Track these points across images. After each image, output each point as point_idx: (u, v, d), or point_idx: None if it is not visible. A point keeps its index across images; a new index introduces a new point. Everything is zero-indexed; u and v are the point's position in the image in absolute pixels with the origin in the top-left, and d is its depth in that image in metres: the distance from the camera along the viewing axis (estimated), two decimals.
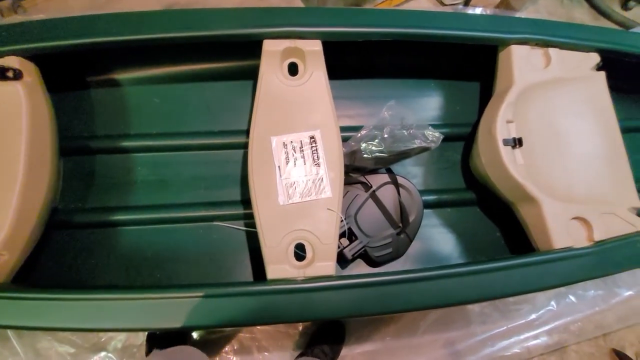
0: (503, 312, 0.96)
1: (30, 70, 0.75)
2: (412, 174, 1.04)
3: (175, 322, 0.65)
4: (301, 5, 1.22)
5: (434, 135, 0.78)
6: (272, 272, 0.67)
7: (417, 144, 0.79)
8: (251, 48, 0.83)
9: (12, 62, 0.72)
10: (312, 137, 0.80)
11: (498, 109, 0.83)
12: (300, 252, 0.73)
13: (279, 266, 0.68)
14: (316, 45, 0.80)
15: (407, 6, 1.22)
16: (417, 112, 1.04)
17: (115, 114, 0.97)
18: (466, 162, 1.04)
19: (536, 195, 0.77)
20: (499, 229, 0.99)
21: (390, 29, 0.81)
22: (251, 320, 0.66)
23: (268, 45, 0.79)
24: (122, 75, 0.97)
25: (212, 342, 0.90)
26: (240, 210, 0.94)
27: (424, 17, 0.85)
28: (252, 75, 1.02)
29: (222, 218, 0.95)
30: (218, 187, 0.97)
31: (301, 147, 0.80)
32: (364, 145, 0.82)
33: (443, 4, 1.22)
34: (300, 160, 0.79)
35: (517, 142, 0.81)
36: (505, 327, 0.95)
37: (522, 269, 0.72)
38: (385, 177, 0.96)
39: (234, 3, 1.21)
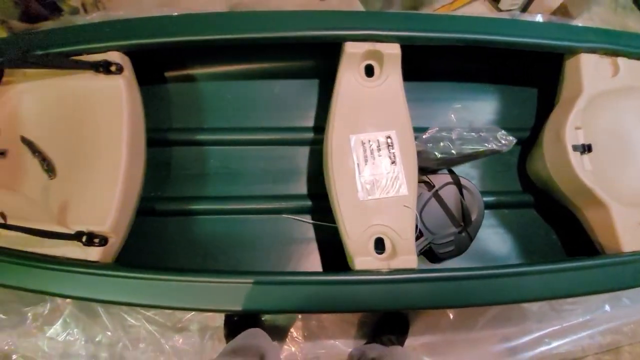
0: (559, 311, 1.00)
1: (127, 65, 0.80)
2: (470, 175, 1.07)
3: (268, 304, 0.69)
4: (360, 8, 1.25)
5: (507, 139, 0.82)
6: (360, 264, 0.71)
7: (489, 146, 0.83)
8: (322, 49, 0.87)
9: (114, 57, 0.77)
10: (388, 137, 0.84)
11: (567, 116, 0.86)
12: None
13: (366, 258, 0.72)
14: (395, 49, 0.83)
15: (462, 11, 1.24)
16: (476, 115, 1.07)
17: (190, 108, 1.02)
18: (523, 165, 1.07)
19: (605, 200, 0.81)
20: (555, 232, 1.02)
21: (465, 35, 0.84)
22: (338, 307, 0.71)
23: (350, 47, 0.82)
24: (197, 71, 1.02)
25: (281, 328, 0.95)
26: (307, 203, 0.99)
27: (497, 24, 0.88)
28: (318, 74, 1.09)
29: (289, 211, 1.00)
30: (285, 181, 1.02)
31: (378, 146, 0.84)
32: (442, 144, 0.85)
33: (499, 10, 1.25)
34: (378, 159, 0.83)
35: (586, 149, 0.84)
36: (560, 326, 0.99)
37: (592, 270, 0.75)
38: (447, 177, 0.99)
39: (296, 5, 1.25)
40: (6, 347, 0.88)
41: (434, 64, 1.07)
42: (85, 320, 0.91)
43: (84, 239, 0.67)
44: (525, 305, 0.99)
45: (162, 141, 0.99)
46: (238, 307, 0.68)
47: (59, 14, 1.06)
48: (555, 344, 0.98)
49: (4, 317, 0.90)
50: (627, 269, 0.76)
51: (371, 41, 0.83)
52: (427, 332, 0.99)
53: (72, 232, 0.67)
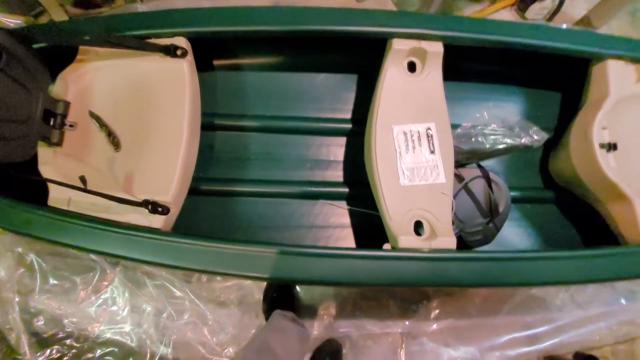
0: (578, 303, 1.05)
1: (190, 50, 0.86)
2: (494, 171, 1.12)
3: (318, 276, 0.74)
4: (393, 8, 1.32)
5: (540, 134, 0.87)
6: (403, 242, 0.76)
7: (522, 141, 0.89)
8: (364, 47, 0.93)
9: (180, 42, 0.82)
10: (428, 129, 0.90)
11: (594, 116, 0.92)
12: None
13: (408, 237, 0.77)
14: (438, 47, 0.89)
15: (491, 18, 1.31)
16: (506, 114, 1.13)
17: (235, 95, 1.07)
18: (545, 164, 1.13)
19: (628, 194, 0.86)
20: (575, 226, 1.08)
21: (504, 38, 0.90)
22: (383, 281, 0.75)
23: (397, 43, 0.88)
24: (244, 61, 1.08)
25: (314, 308, 1.00)
26: (343, 190, 1.04)
27: (534, 29, 0.94)
28: (357, 70, 1.14)
29: (325, 196, 1.05)
30: (322, 169, 1.08)
31: (419, 136, 0.89)
32: (473, 139, 0.91)
33: (525, 19, 1.32)
34: (418, 148, 0.89)
35: (612, 147, 0.90)
36: (578, 317, 1.04)
37: (616, 257, 0.81)
38: (476, 171, 1.04)
39: (333, 4, 1.30)
40: (57, 312, 0.92)
41: (466, 65, 1.13)
42: (132, 290, 0.95)
43: (149, 207, 0.72)
44: (547, 296, 1.04)
45: (208, 125, 1.04)
46: (292, 276, 0.73)
47: (111, 1, 1.11)
48: (573, 332, 1.03)
49: (56, 282, 0.94)
50: None
51: (417, 39, 0.89)
52: (454, 316, 1.04)
53: (140, 200, 0.72)
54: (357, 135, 1.14)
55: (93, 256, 0.93)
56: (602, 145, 0.90)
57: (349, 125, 1.09)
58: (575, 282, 0.83)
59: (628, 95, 0.93)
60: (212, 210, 1.00)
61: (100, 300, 0.95)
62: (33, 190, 0.75)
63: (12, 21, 1.09)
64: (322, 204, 1.05)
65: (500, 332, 1.01)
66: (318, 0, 1.35)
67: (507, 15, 1.29)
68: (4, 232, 0.89)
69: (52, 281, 0.94)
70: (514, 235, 1.07)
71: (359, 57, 1.12)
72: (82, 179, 0.66)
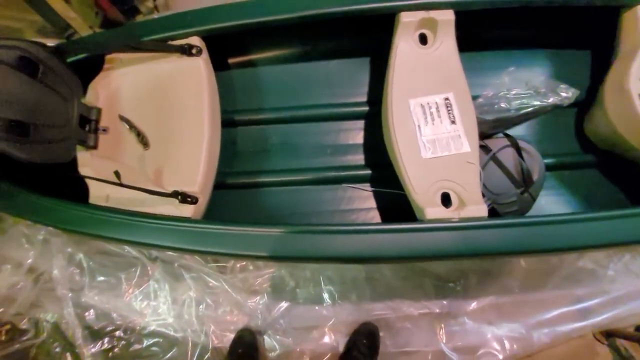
0: (634, 272, 0.96)
1: (204, 48, 0.90)
2: (524, 139, 1.07)
3: (351, 252, 0.73)
4: None
5: (569, 91, 0.82)
6: (430, 214, 0.74)
7: (550, 101, 0.84)
8: (372, 26, 0.92)
9: (195, 41, 0.87)
10: (446, 99, 0.87)
11: (629, 67, 0.85)
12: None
13: (435, 209, 0.75)
14: (449, 15, 0.87)
15: None
16: (530, 77, 1.07)
17: (251, 90, 1.11)
18: (579, 127, 1.06)
19: None
20: (622, 190, 1.00)
21: None
22: (412, 254, 0.73)
23: (405, 16, 0.87)
24: (256, 57, 1.11)
25: None
26: (365, 172, 1.04)
27: None
28: (367, 52, 1.14)
29: (348, 180, 1.05)
30: (342, 153, 1.08)
31: (437, 107, 0.87)
32: (496, 106, 0.87)
33: None
34: (437, 120, 0.87)
35: None
36: (636, 287, 0.95)
37: None
38: (504, 141, 1.00)
39: None
40: (106, 306, 0.99)
41: (483, 33, 1.09)
42: (171, 283, 1.00)
43: (179, 197, 0.75)
44: (598, 267, 0.96)
45: (229, 122, 1.08)
46: (325, 254, 0.73)
47: (133, 18, 1.20)
48: (631, 304, 0.94)
49: (102, 278, 1.01)
50: None
51: (425, 9, 0.87)
52: (495, 292, 0.99)
53: (170, 192, 0.76)
54: (374, 117, 1.12)
55: (134, 252, 1.00)
56: None
57: (366, 108, 1.08)
58: (627, 243, 0.76)
59: None
60: (239, 202, 1.03)
61: (143, 295, 1.01)
62: (75, 191, 0.82)
63: (49, 44, 1.20)
64: (345, 188, 1.05)
65: (548, 307, 0.95)
66: None
67: None
68: (57, 234, 0.98)
69: (99, 278, 1.01)
70: (553, 204, 1.00)
71: (368, 39, 1.11)
72: (117, 174, 0.71)
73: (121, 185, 0.70)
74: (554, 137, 1.07)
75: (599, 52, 1.06)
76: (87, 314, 0.97)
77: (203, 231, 0.75)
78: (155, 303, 0.99)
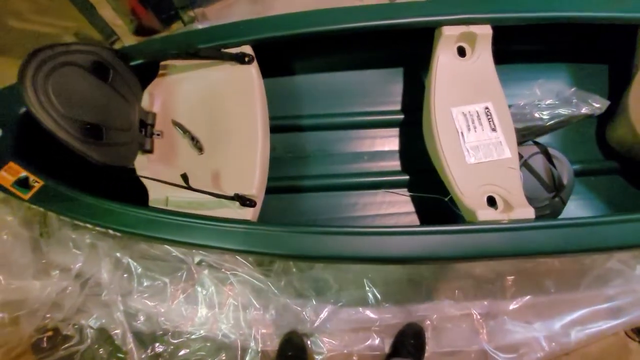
0: None
1: (254, 57, 0.93)
2: (551, 147, 1.13)
3: (398, 252, 0.76)
4: None
5: (600, 101, 0.88)
6: (482, 216, 0.78)
7: (583, 111, 0.89)
8: (408, 39, 0.97)
9: (247, 49, 0.90)
10: (486, 108, 0.93)
11: None
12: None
13: (486, 211, 0.79)
14: (487, 29, 0.93)
15: None
16: (554, 89, 1.13)
17: (289, 98, 1.14)
18: (601, 136, 1.13)
19: None
20: None
21: (550, 13, 0.93)
22: (466, 254, 0.77)
23: (447, 30, 0.92)
24: (294, 65, 1.15)
25: None
26: (402, 178, 1.07)
27: (579, 2, 0.96)
28: (402, 63, 1.19)
29: (385, 185, 1.08)
30: (378, 159, 1.11)
31: (478, 116, 0.92)
32: (529, 115, 0.93)
33: None
34: (479, 127, 0.91)
35: None
36: None
37: None
38: (534, 148, 1.05)
39: None
40: (153, 310, 0.98)
41: (510, 48, 1.15)
42: (217, 287, 1.00)
43: (240, 200, 0.77)
44: (626, 267, 1.01)
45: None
46: (381, 255, 0.75)
47: (169, 26, 1.22)
48: None
49: (149, 283, 1.00)
50: None
51: (465, 24, 0.93)
52: (531, 292, 1.03)
53: (232, 195, 0.77)
54: (409, 125, 1.17)
55: (180, 256, 0.99)
56: None
57: (401, 116, 1.13)
58: None
59: None
60: (280, 207, 1.05)
61: (189, 299, 1.00)
62: (132, 196, 0.83)
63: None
64: (383, 193, 1.08)
65: (581, 306, 0.99)
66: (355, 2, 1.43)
67: None
68: (103, 238, 0.98)
69: (145, 282, 1.00)
70: (581, 208, 1.05)
71: (402, 50, 1.17)
72: (184, 177, 0.72)
73: (188, 188, 0.72)
74: (577, 145, 1.14)
75: (616, 65, 1.14)
76: (135, 318, 0.96)
77: (266, 233, 0.77)
78: (202, 307, 0.99)
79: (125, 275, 0.99)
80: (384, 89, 1.15)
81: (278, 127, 1.13)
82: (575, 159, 1.11)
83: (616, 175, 1.09)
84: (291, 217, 1.04)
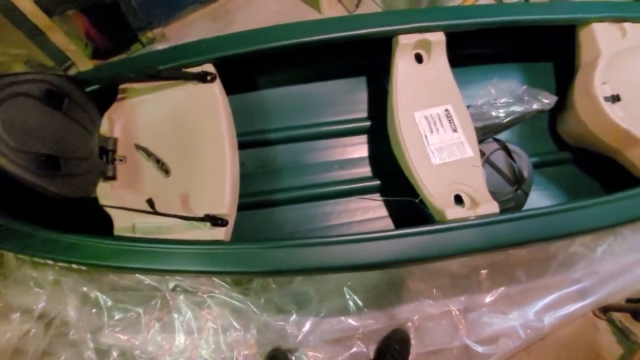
0: (617, 252, 1.09)
1: (217, 75, 0.92)
2: (512, 143, 1.19)
3: (374, 258, 0.77)
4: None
5: (549, 97, 0.94)
6: (451, 214, 0.81)
7: (535, 107, 0.95)
8: (369, 48, 1.00)
9: (209, 68, 0.89)
10: (446, 110, 0.97)
11: (593, 75, 1.00)
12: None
13: (454, 209, 0.82)
14: (441, 36, 0.97)
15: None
16: (507, 88, 1.20)
17: (256, 113, 1.14)
18: (553, 128, 1.20)
19: None
20: (597, 181, 1.14)
21: (497, 18, 0.99)
22: (439, 253, 0.79)
23: (403, 39, 0.96)
24: (259, 80, 1.15)
25: None
26: (374, 183, 1.09)
27: (522, 7, 1.04)
28: (364, 72, 1.22)
29: (358, 192, 1.10)
30: (350, 167, 1.13)
31: (439, 118, 0.96)
32: (487, 114, 0.98)
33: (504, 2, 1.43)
34: (441, 129, 0.95)
35: (616, 98, 0.97)
36: (621, 265, 1.07)
37: None
38: (494, 145, 1.11)
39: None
40: (127, 344, 0.92)
41: (463, 52, 1.22)
42: (195, 312, 0.96)
43: (211, 220, 0.75)
44: (587, 250, 1.08)
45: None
46: (359, 262, 0.76)
47: (127, 48, 1.19)
48: (620, 280, 1.06)
49: (121, 315, 0.95)
50: None
51: (420, 32, 0.97)
52: (505, 284, 1.07)
53: (202, 216, 0.75)
54: (376, 131, 1.20)
55: (153, 283, 0.95)
56: (606, 99, 0.97)
57: (368, 123, 1.15)
58: (614, 225, 0.87)
59: (618, 51, 1.02)
60: (255, 223, 1.04)
61: (165, 327, 0.96)
62: (96, 227, 0.79)
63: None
64: (357, 200, 1.09)
65: (551, 291, 1.04)
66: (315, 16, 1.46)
67: (489, 2, 1.40)
68: (67, 274, 0.92)
69: (117, 315, 0.95)
70: (542, 198, 1.12)
71: (364, 59, 1.20)
72: (150, 202, 0.70)
73: (154, 213, 0.69)
74: (533, 139, 1.21)
75: (561, 63, 1.23)
76: (109, 355, 0.90)
77: (240, 251, 0.76)
78: (179, 334, 0.94)
79: (94, 310, 0.94)
80: (350, 97, 1.18)
81: (247, 142, 1.13)
82: (533, 152, 1.18)
83: (570, 165, 1.17)
84: (267, 232, 1.03)
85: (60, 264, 0.72)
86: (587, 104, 1.03)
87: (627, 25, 1.04)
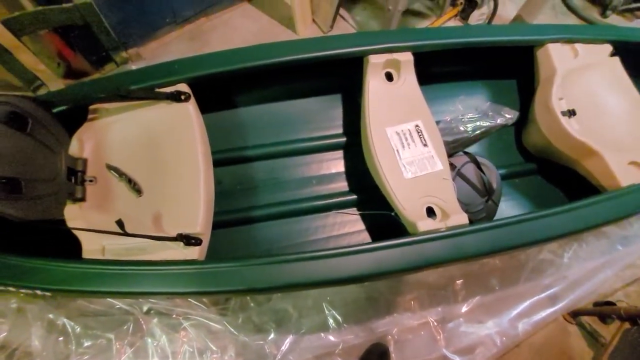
0: (583, 257, 1.14)
1: (191, 94, 0.93)
2: (479, 155, 1.24)
3: (348, 272, 0.78)
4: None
5: (511, 112, 0.99)
6: (422, 226, 0.83)
7: (499, 122, 1.00)
8: (343, 68, 1.04)
9: (183, 87, 0.90)
10: (417, 126, 1.01)
11: (550, 91, 1.07)
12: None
13: (425, 221, 0.84)
14: (408, 56, 1.02)
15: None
16: (477, 103, 1.27)
17: (233, 131, 1.15)
18: (519, 141, 1.27)
19: (597, 149, 0.99)
20: (561, 190, 1.20)
21: (461, 39, 1.05)
22: (410, 266, 0.80)
23: (373, 59, 1.00)
24: (235, 98, 1.16)
25: None
26: (351, 198, 1.11)
27: (484, 29, 1.11)
28: (339, 90, 1.26)
29: (336, 206, 1.11)
30: (327, 182, 1.15)
31: (410, 134, 1.00)
32: (455, 129, 1.02)
33: (469, 24, 1.52)
34: (412, 144, 0.99)
35: (572, 113, 1.04)
36: (587, 269, 1.12)
37: (604, 203, 0.91)
38: (465, 158, 1.15)
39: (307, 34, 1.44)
40: None
41: (435, 69, 1.28)
42: (169, 335, 0.92)
43: (184, 240, 0.74)
44: (555, 257, 1.13)
45: (214, 162, 1.09)
46: (334, 277, 0.76)
47: (101, 67, 1.18)
48: (587, 284, 1.11)
49: (90, 343, 0.89)
50: (630, 199, 0.93)
51: (389, 52, 1.02)
52: (480, 293, 1.09)
53: (174, 236, 0.74)
54: (352, 146, 1.23)
55: (125, 307, 0.91)
56: (563, 113, 1.04)
57: (343, 139, 1.18)
58: (577, 232, 0.92)
59: (572, 69, 1.10)
60: (233, 240, 1.03)
61: (139, 352, 0.91)
62: (63, 250, 0.76)
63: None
64: (334, 214, 1.11)
65: (524, 299, 1.08)
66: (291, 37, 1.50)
67: (455, 23, 1.49)
68: (32, 301, 0.87)
69: (86, 342, 0.89)
70: (511, 208, 1.17)
71: (339, 78, 1.24)
72: (120, 223, 0.68)
73: (124, 234, 0.68)
74: (501, 152, 1.27)
75: (522, 80, 1.31)
76: None
77: (215, 270, 0.74)
78: (154, 359, 0.90)
79: (60, 339, 0.89)
80: (326, 114, 1.21)
81: (225, 160, 1.13)
82: (501, 164, 1.24)
83: (536, 175, 1.23)
84: (245, 250, 1.03)
85: (23, 290, 0.69)
86: (546, 119, 1.09)
87: (578, 45, 1.14)
